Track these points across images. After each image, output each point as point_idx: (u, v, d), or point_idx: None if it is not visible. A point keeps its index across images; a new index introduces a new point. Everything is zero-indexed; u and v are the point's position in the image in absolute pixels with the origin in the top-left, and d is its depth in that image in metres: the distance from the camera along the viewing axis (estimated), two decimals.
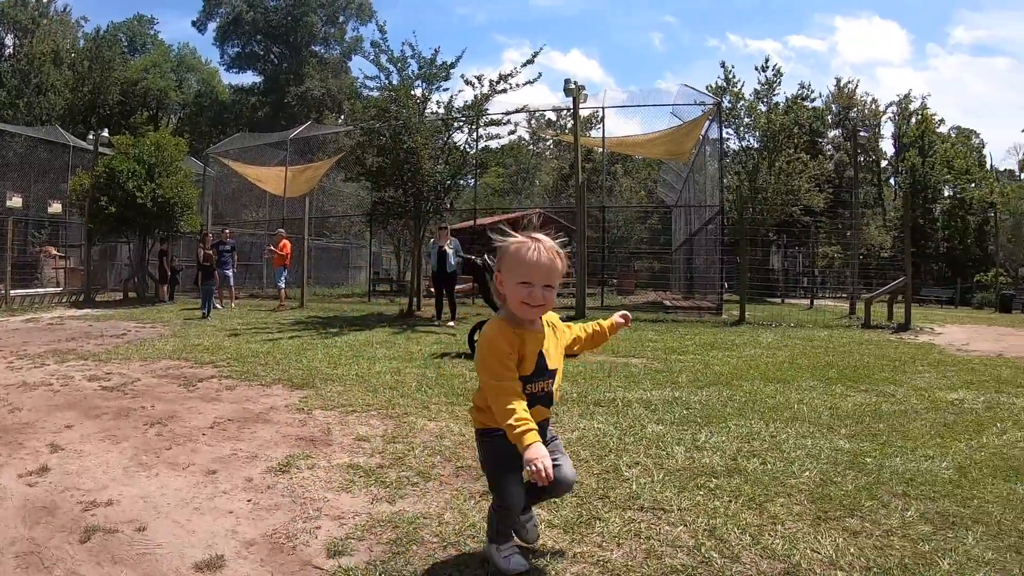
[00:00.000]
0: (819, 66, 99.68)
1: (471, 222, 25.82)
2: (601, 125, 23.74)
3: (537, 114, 35.26)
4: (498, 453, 2.68)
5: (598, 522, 3.33)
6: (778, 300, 25.88)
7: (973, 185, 62.95)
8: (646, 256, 38.78)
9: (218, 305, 17.46)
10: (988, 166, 75.48)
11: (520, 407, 2.45)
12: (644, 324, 13.95)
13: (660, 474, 4.05)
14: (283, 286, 19.35)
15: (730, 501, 3.62)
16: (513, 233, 2.59)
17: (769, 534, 3.23)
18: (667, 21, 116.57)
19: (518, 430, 2.39)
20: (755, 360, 9.03)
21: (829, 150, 58.17)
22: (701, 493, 3.74)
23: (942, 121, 70.33)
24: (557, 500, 3.44)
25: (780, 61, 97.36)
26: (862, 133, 61.87)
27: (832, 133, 62.42)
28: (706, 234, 21.66)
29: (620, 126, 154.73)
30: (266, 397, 6.33)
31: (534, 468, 2.30)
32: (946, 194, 62.69)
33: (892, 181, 67.05)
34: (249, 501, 3.64)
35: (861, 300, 15.83)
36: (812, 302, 23.53)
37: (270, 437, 4.90)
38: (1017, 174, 75.81)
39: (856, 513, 3.51)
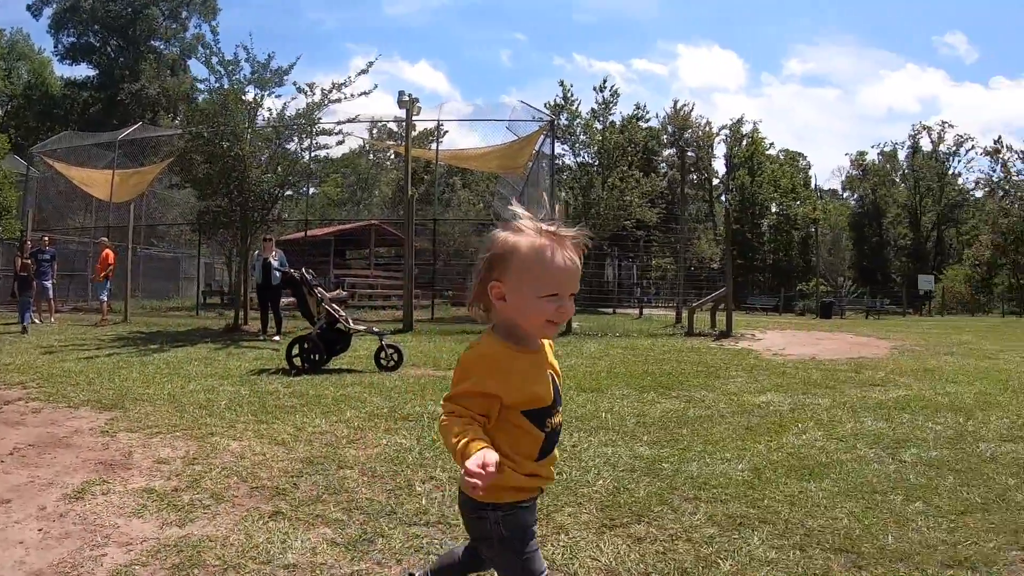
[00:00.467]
0: (660, 89, 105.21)
1: (303, 233, 25.18)
2: (437, 137, 23.86)
3: (380, 124, 34.90)
4: (515, 530, 1.99)
5: (381, 539, 3.26)
6: (610, 311, 26.48)
7: (798, 203, 67.93)
8: None
9: (36, 320, 16.12)
10: (812, 186, 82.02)
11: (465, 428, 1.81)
12: (470, 336, 13.88)
13: (453, 488, 3.94)
14: (105, 299, 18.13)
15: None
16: (517, 214, 1.90)
17: (552, 544, 3.19)
18: (516, 38, 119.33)
19: (462, 442, 1.73)
20: (574, 370, 9.11)
21: (663, 168, 60.82)
22: None
23: (772, 144, 75.93)
24: (344, 517, 3.49)
25: (623, 83, 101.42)
26: (689, 153, 65.29)
27: (667, 152, 65.56)
28: None
29: (463, 139, 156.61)
30: (72, 420, 5.94)
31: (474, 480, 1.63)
32: (773, 210, 67.14)
33: (723, 198, 71.08)
34: (40, 530, 3.45)
35: (687, 309, 16.43)
36: (641, 312, 24.30)
37: (70, 463, 4.62)
38: (840, 193, 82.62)
39: (644, 519, 3.52)
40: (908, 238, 75.18)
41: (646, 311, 25.57)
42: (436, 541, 3.23)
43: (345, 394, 7.06)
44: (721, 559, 3.06)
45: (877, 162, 77.61)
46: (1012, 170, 65.86)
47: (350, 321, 9.38)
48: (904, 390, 7.99)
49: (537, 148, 22.40)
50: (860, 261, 71.48)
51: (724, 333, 14.80)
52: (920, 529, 3.44)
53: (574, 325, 15.75)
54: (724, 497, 3.87)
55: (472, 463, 1.62)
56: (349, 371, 8.89)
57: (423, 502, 3.73)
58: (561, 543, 3.20)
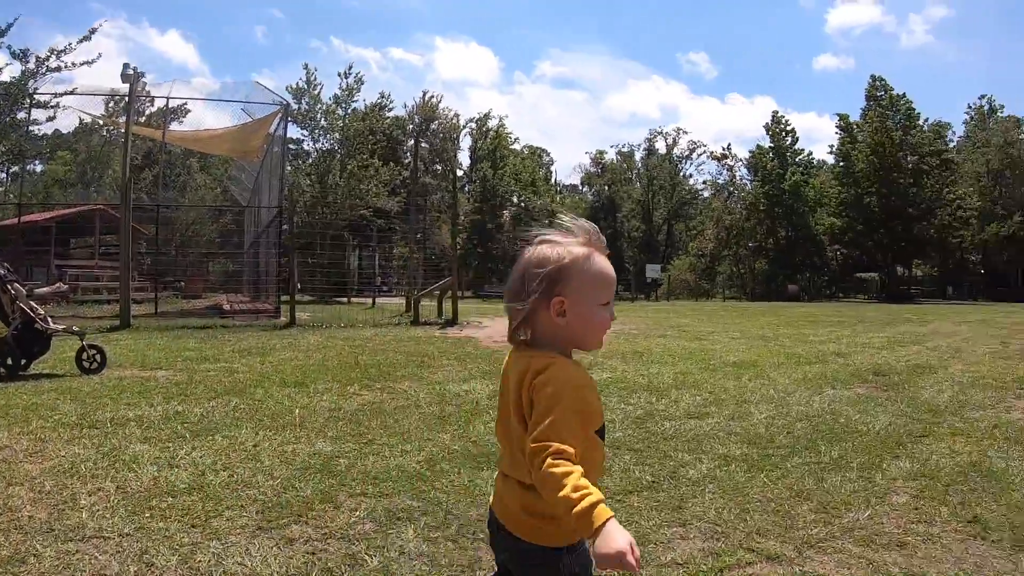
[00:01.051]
0: (415, 79, 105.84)
1: (16, 220, 22.52)
2: (166, 115, 22.37)
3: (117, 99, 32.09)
4: (585, 566, 1.77)
5: (33, 558, 3.03)
6: (345, 300, 26.23)
7: (537, 196, 71.22)
8: (220, 257, 37.35)
9: None
10: (553, 180, 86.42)
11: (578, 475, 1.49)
12: (190, 332, 13.31)
13: (119, 498, 3.77)
14: None
15: (176, 520, 3.46)
16: (559, 230, 1.78)
17: (202, 551, 3.12)
18: (274, 15, 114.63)
19: (584, 503, 1.42)
20: (284, 364, 8.96)
21: (408, 159, 61.25)
22: (150, 515, 3.52)
23: (516, 139, 78.84)
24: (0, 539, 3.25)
25: (378, 70, 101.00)
26: (429, 144, 66.55)
27: (411, 142, 66.13)
28: (268, 235, 21.43)
29: (212, 120, 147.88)
30: None
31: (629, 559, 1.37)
32: (514, 202, 69.85)
33: (466, 188, 72.77)
34: None
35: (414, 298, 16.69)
36: (374, 301, 24.21)
37: None
38: (579, 188, 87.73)
39: (303, 519, 3.52)
40: (640, 231, 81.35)
41: (383, 300, 25.52)
42: (87, 558, 3.04)
43: (37, 402, 6.45)
44: (369, 556, 3.09)
45: (615, 161, 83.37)
46: (737, 175, 74.21)
47: (48, 321, 8.53)
48: (609, 372, 8.71)
49: (272, 132, 21.71)
50: None
51: (450, 321, 15.19)
52: None
53: (300, 316, 15.50)
54: (391, 491, 3.93)
55: (626, 541, 1.38)
56: (50, 376, 8.10)
57: (83, 516, 3.51)
58: (211, 549, 3.13)
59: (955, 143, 72.21)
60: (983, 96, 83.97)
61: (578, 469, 1.48)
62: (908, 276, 72.20)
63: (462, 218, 66.31)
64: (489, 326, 15.29)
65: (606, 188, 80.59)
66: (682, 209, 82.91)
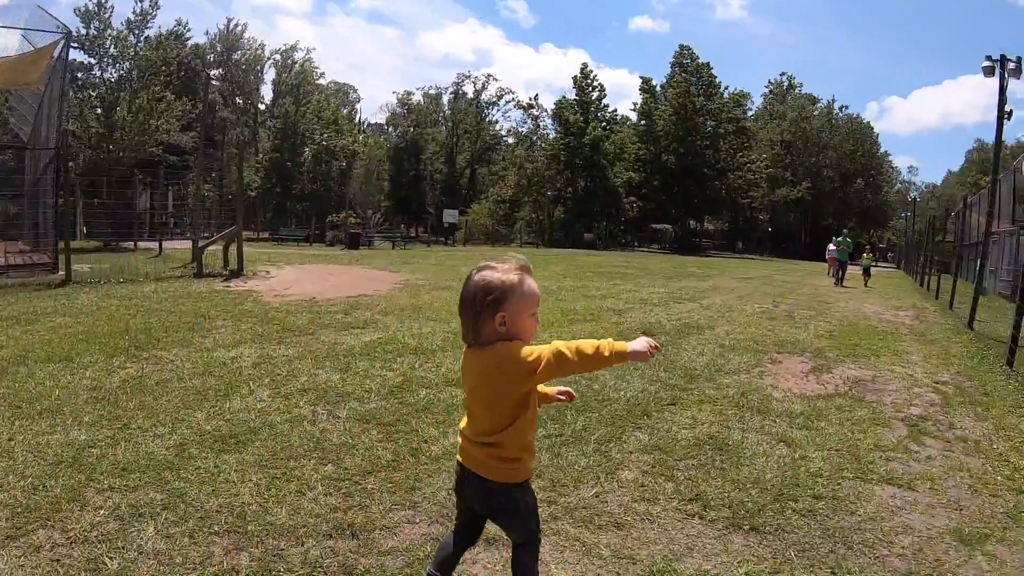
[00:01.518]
0: (223, 4, 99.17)
1: None
2: None
3: None
4: (532, 498, 2.67)
5: None
6: (131, 245, 24.43)
7: (340, 136, 69.55)
8: None
9: None
10: (358, 119, 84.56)
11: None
12: None
13: None
14: None
15: None
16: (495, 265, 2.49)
17: None
18: None
19: (594, 346, 2.34)
20: (52, 334, 8.02)
21: (211, 93, 58.13)
22: None
23: (323, 74, 76.26)
24: None
25: None
26: (220, 76, 63.46)
27: (213, 72, 62.66)
28: (47, 175, 19.59)
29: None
30: None
31: (651, 350, 2.37)
32: (316, 140, 67.99)
33: (268, 124, 70.07)
34: None
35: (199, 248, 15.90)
36: (161, 247, 22.47)
37: None
38: (385, 128, 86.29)
39: (50, 522, 3.32)
40: (443, 173, 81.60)
41: (175, 245, 23.93)
42: None
43: None
44: (110, 558, 3.00)
45: (422, 103, 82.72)
46: (541, 124, 75.76)
47: None
48: (381, 332, 8.64)
49: (54, 61, 19.76)
50: (398, 192, 75.71)
51: (235, 272, 14.68)
52: (317, 497, 3.68)
53: (80, 269, 14.41)
54: (138, 484, 3.77)
55: (644, 342, 2.37)
56: None
57: None
58: None
59: (753, 112, 78.56)
60: (783, 73, 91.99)
61: (573, 342, 2.36)
62: (700, 229, 77.46)
63: (261, 156, 63.94)
64: (275, 276, 14.91)
65: (411, 129, 79.99)
66: (486, 154, 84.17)
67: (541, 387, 2.69)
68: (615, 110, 74.05)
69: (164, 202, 33.40)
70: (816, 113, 76.96)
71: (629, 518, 3.75)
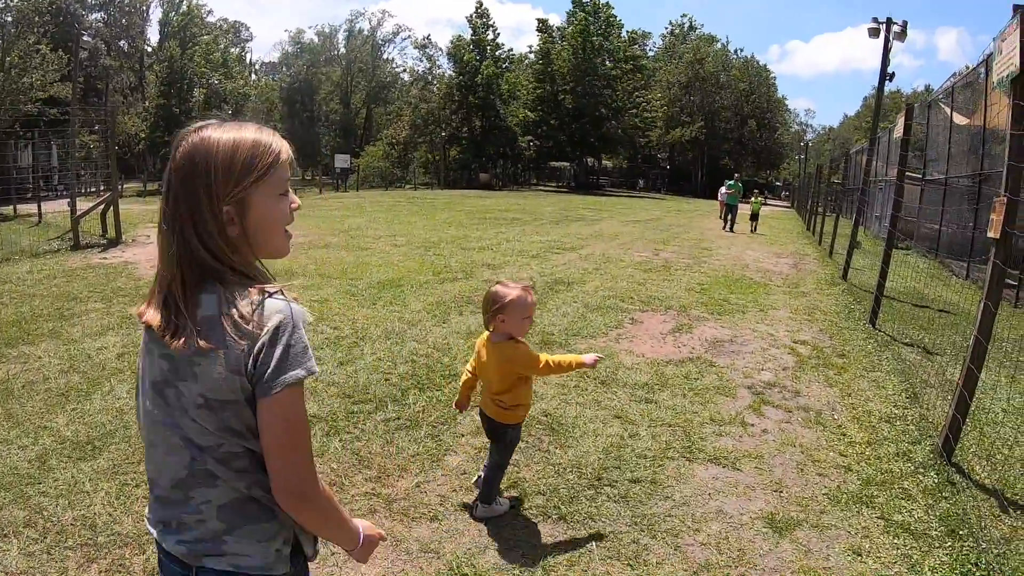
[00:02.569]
0: None
1: None
2: None
3: None
4: (517, 437, 4.00)
5: None
6: (10, 209, 22.29)
7: (229, 79, 67.30)
8: None
9: None
10: (249, 60, 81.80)
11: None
12: None
13: None
14: None
15: None
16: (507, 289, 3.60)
17: None
18: None
19: (567, 360, 3.72)
20: None
21: (88, 37, 55.18)
22: None
23: (211, 11, 73.10)
24: None
25: None
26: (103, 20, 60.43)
27: (93, 17, 59.47)
28: None
29: None
30: None
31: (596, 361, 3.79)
32: (207, 83, 65.70)
33: (156, 68, 67.12)
34: None
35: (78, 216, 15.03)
36: (40, 213, 20.16)
37: None
38: (278, 67, 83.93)
39: None
40: (339, 114, 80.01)
41: (59, 206, 22.13)
42: None
43: None
44: None
45: (316, 41, 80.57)
46: (436, 63, 74.83)
47: None
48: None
49: None
50: (292, 135, 73.98)
51: (113, 241, 14.15)
52: None
53: None
54: (2, 502, 3.76)
55: (593, 357, 3.74)
56: None
57: None
58: None
59: (654, 53, 79.48)
60: (684, 15, 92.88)
61: (556, 356, 3.74)
62: (598, 167, 78.37)
63: (147, 103, 61.44)
64: (152, 242, 14.37)
65: (305, 69, 77.89)
66: (382, 93, 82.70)
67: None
68: (511, 49, 73.58)
69: (47, 162, 31.59)
70: (711, 55, 78.04)
71: (444, 509, 3.91)
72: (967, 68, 16.41)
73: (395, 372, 6.21)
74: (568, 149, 68.89)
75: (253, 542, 1.58)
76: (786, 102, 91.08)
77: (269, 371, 1.46)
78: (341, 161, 58.48)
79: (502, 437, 3.83)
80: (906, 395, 6.28)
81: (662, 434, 5.08)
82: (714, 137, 74.18)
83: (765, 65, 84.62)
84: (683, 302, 9.98)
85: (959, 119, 15.46)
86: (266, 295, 1.51)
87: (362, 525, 1.73)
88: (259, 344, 1.46)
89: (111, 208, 14.81)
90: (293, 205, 1.64)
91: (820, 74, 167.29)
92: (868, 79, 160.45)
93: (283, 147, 1.62)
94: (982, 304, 4.65)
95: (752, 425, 5.41)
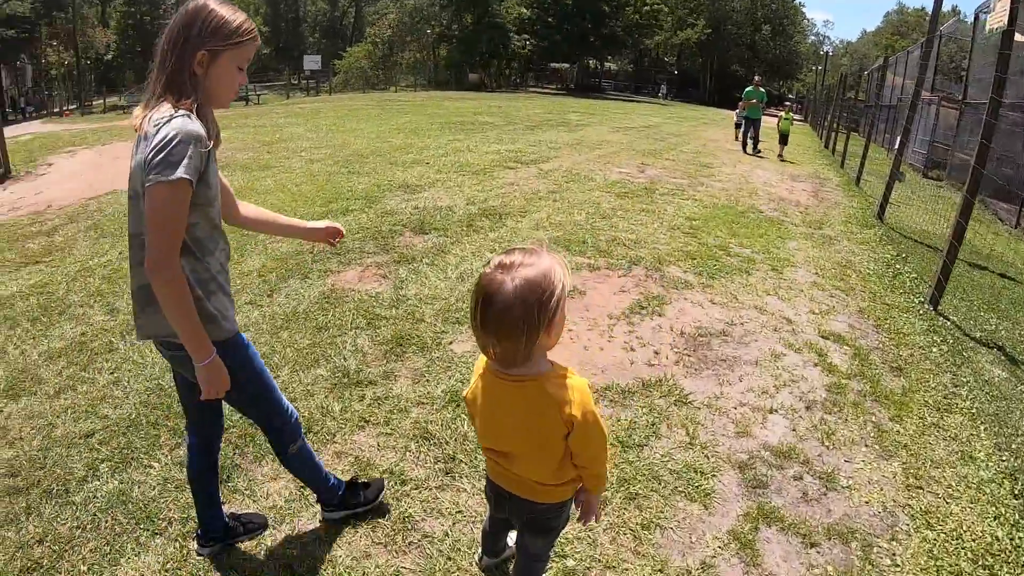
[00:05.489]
0: None
1: None
2: None
3: None
4: (568, 512, 2.23)
5: None
6: None
7: None
8: None
9: None
10: None
11: None
12: None
13: None
14: None
15: None
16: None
17: None
18: None
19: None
20: None
21: None
22: None
23: None
24: None
25: None
26: None
27: None
28: None
29: None
30: None
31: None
32: None
33: None
34: None
35: None
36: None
37: None
38: None
39: None
40: (325, 14, 75.94)
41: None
42: None
43: None
44: None
45: None
46: None
47: None
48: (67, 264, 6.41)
49: None
50: (277, 38, 70.79)
51: (1, 176, 11.69)
52: None
53: None
54: None
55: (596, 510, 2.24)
56: None
57: None
58: None
59: None
60: None
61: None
62: (600, 70, 74.16)
63: (114, 15, 58.44)
64: (49, 172, 11.74)
65: None
66: None
67: None
68: None
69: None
70: None
71: None
72: None
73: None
74: (567, 49, 64.19)
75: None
76: (803, 8, 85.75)
77: (150, 170, 1.92)
78: (311, 63, 54.45)
79: (545, 527, 2.20)
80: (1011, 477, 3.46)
81: None
82: (724, 41, 69.60)
83: None
84: (659, 251, 6.83)
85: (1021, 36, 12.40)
86: (176, 113, 1.99)
87: (216, 361, 2.15)
88: (151, 147, 1.94)
89: None
90: (241, 81, 2.20)
91: None
92: None
93: (258, 38, 2.21)
94: None
95: None
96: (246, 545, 2.84)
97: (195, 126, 1.98)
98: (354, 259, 6.30)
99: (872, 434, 3.78)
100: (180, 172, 1.91)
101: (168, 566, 2.76)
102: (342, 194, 8.88)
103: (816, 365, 4.56)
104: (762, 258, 6.96)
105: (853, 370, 4.54)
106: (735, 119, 21.29)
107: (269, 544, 2.86)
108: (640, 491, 3.15)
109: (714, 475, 3.32)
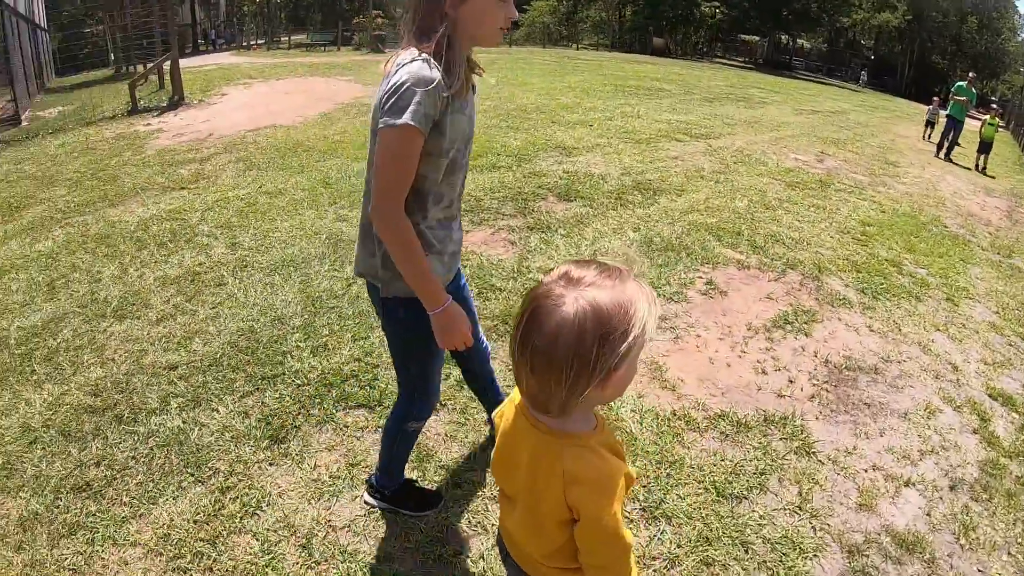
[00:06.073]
0: None
1: None
2: None
3: None
4: None
5: None
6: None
7: None
8: None
9: None
10: None
11: None
12: None
13: None
14: None
15: None
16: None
17: None
18: None
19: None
20: None
21: None
22: None
23: None
24: None
25: None
26: None
27: None
28: None
29: None
30: None
31: None
32: None
33: None
34: None
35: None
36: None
37: None
38: None
39: None
40: None
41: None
42: None
43: None
44: None
45: None
46: None
47: None
48: (211, 192, 6.48)
49: None
50: None
51: (176, 102, 12.30)
52: None
53: (45, 115, 12.50)
54: None
55: None
56: None
57: None
58: None
59: None
60: None
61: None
62: (792, 46, 70.60)
63: None
64: (220, 102, 12.19)
65: None
66: None
67: None
68: None
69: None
70: None
71: None
72: None
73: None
74: (758, 21, 61.14)
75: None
76: (1016, 3, 78.10)
77: (382, 113, 1.91)
78: None
79: None
80: None
81: None
82: (926, 30, 64.63)
83: None
84: (822, 257, 6.12)
85: None
86: (418, 57, 1.93)
87: (454, 307, 2.09)
88: (386, 90, 1.92)
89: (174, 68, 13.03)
90: (510, 15, 2.08)
91: None
92: None
93: None
94: None
95: None
96: (268, 513, 2.74)
97: (430, 73, 1.90)
98: (487, 219, 6.04)
99: (1021, 540, 3.07)
100: (406, 118, 1.87)
101: (198, 518, 2.68)
102: (494, 148, 8.64)
103: (975, 432, 3.81)
104: (937, 283, 6.09)
105: (1018, 447, 3.75)
106: (926, 116, 19.70)
107: (296, 515, 2.71)
108: (720, 557, 2.69)
109: (816, 555, 2.78)
